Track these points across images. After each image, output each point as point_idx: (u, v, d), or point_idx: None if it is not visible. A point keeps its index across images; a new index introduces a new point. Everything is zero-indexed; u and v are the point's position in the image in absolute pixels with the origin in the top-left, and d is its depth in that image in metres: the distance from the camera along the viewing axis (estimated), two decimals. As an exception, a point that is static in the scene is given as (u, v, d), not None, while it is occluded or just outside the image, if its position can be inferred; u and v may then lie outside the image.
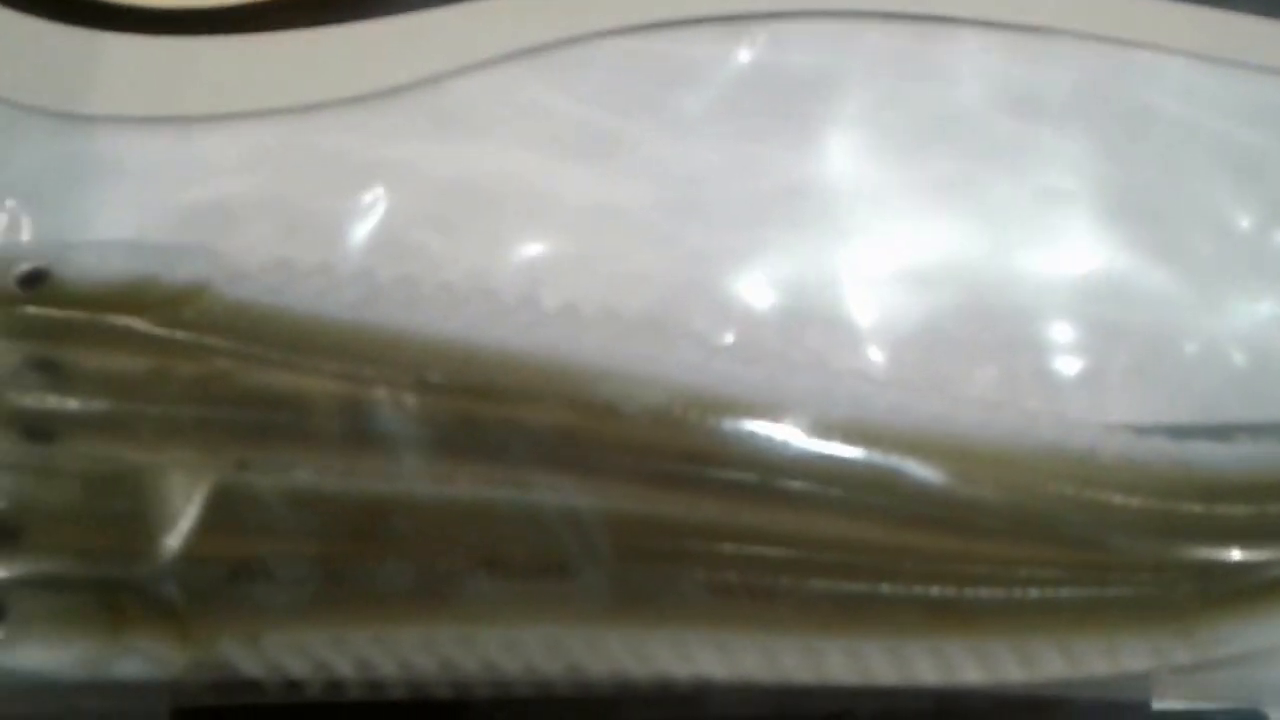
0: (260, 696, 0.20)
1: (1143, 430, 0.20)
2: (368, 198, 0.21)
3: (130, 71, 0.20)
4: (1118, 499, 0.19)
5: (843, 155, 0.21)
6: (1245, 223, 0.21)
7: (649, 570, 0.19)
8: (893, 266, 0.21)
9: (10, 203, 0.20)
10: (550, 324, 0.19)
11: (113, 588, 0.18)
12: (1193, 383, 0.21)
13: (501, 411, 0.19)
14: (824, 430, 0.19)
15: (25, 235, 0.20)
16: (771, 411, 0.19)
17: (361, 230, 0.21)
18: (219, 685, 0.19)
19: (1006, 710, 0.20)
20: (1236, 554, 0.19)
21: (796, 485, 0.19)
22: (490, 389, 0.19)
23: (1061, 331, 0.21)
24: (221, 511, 0.18)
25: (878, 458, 0.19)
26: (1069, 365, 0.21)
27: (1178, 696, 0.20)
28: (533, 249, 0.20)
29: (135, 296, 0.19)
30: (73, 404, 0.18)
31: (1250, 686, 0.20)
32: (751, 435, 0.19)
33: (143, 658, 0.19)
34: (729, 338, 0.20)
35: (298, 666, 0.19)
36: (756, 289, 0.21)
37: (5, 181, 0.20)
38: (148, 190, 0.20)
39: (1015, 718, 0.20)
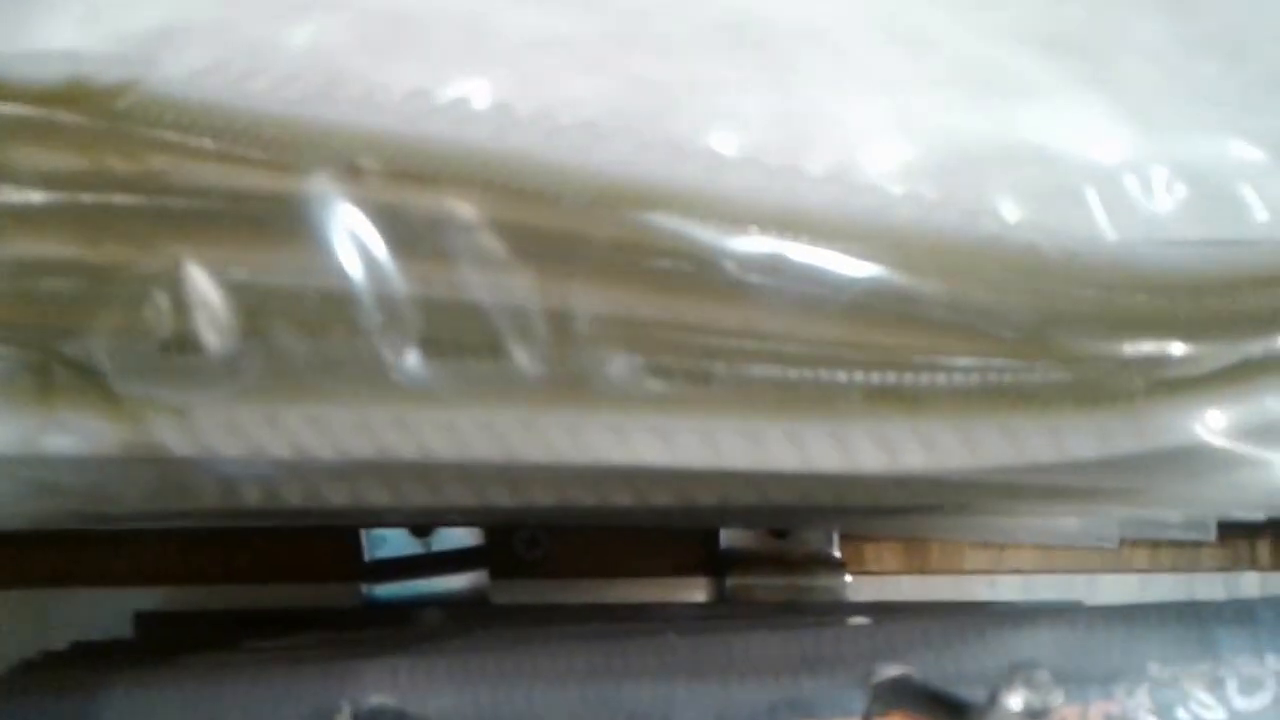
0: (196, 501, 0.20)
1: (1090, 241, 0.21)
2: (307, 27, 0.21)
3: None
4: (1061, 290, 0.20)
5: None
6: (1177, 53, 0.22)
7: (584, 354, 0.20)
8: (832, 98, 0.22)
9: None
10: (482, 120, 0.20)
11: (45, 363, 0.19)
12: (1132, 207, 0.21)
13: (433, 199, 0.20)
14: (759, 221, 0.20)
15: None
16: (705, 203, 0.20)
17: (297, 56, 0.21)
18: (157, 486, 0.20)
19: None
20: (1178, 346, 0.20)
21: (732, 275, 0.20)
22: (421, 176, 0.20)
23: (999, 156, 0.22)
24: (157, 295, 0.19)
25: (814, 248, 0.20)
26: (1009, 191, 0.21)
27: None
28: (471, 79, 0.21)
29: (69, 92, 0.20)
30: (8, 198, 0.20)
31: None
32: (685, 225, 0.20)
33: (73, 433, 0.19)
34: (667, 143, 0.21)
35: (231, 447, 0.19)
36: (696, 115, 0.21)
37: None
38: (88, 16, 0.21)
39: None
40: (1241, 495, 0.21)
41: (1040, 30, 0.22)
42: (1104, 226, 0.21)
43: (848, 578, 0.28)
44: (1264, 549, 0.28)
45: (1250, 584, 0.28)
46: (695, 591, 0.28)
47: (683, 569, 0.28)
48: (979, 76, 0.22)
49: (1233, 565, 0.28)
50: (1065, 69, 0.22)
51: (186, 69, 0.20)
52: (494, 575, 0.28)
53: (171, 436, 0.19)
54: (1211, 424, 0.20)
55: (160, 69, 0.20)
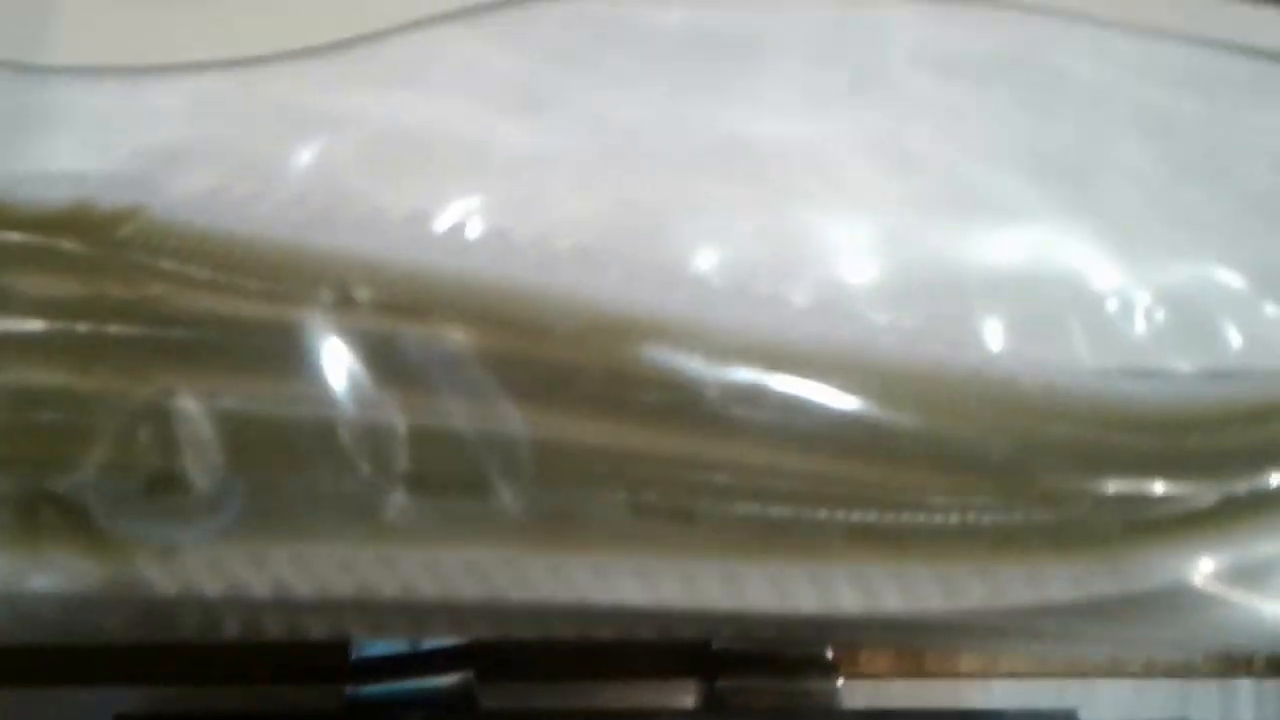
0: (177, 633, 0.21)
1: (1069, 370, 0.22)
2: (309, 146, 0.22)
3: (83, 23, 0.22)
4: (1040, 427, 0.21)
5: (772, 111, 0.23)
6: (1160, 179, 0.23)
7: (569, 491, 0.20)
8: (819, 219, 0.22)
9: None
10: (478, 249, 0.21)
11: (32, 499, 0.20)
12: (1113, 333, 0.22)
13: (425, 330, 0.20)
14: (745, 354, 0.20)
15: (-25, 177, 0.22)
16: (694, 336, 0.20)
17: (301, 177, 0.22)
18: (139, 619, 0.20)
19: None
20: (1160, 486, 0.20)
21: (717, 408, 0.20)
22: (415, 307, 0.20)
23: (984, 283, 0.22)
24: (146, 429, 0.20)
25: (798, 381, 0.20)
26: (992, 316, 0.22)
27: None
28: (467, 197, 0.22)
29: (72, 219, 0.20)
30: (5, 324, 0.20)
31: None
32: (674, 358, 0.20)
33: (58, 571, 0.20)
34: (657, 270, 0.22)
35: (214, 585, 0.20)
36: (685, 236, 0.22)
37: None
38: (97, 137, 0.22)
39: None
40: (1226, 637, 0.21)
41: (1026, 153, 0.23)
42: (1084, 354, 0.22)
43: (840, 681, 0.28)
44: (1259, 657, 0.29)
45: (1245, 690, 0.29)
46: (685, 695, 0.28)
47: (672, 672, 0.29)
48: (965, 199, 0.23)
49: (1228, 672, 0.29)
50: (1050, 193, 0.23)
51: (189, 192, 0.21)
52: (480, 677, 0.28)
53: (156, 575, 0.20)
54: (1193, 567, 0.20)
55: (163, 193, 0.21)
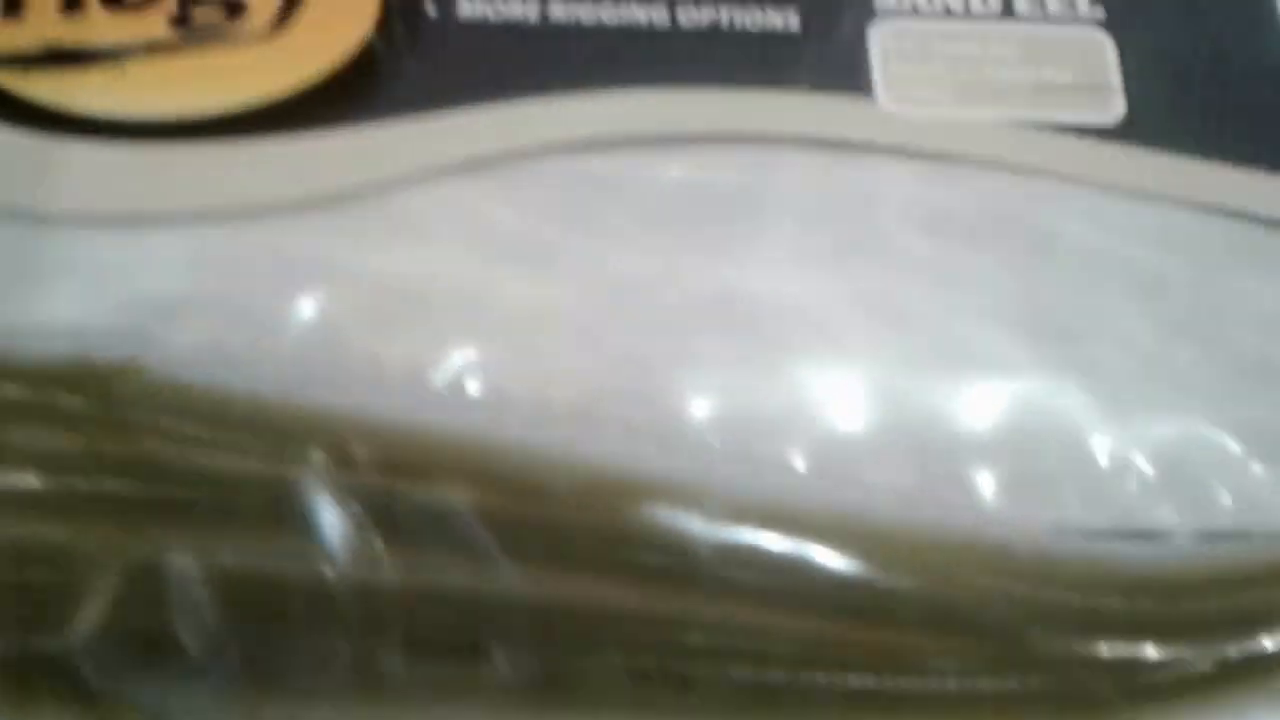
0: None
1: (1061, 530, 0.22)
2: (308, 297, 0.23)
3: (85, 174, 0.23)
4: (1034, 592, 0.21)
5: (766, 268, 0.23)
6: (1150, 339, 0.23)
7: (566, 655, 0.20)
8: (814, 375, 0.23)
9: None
10: (476, 409, 0.21)
11: (24, 662, 0.20)
12: (1106, 489, 0.22)
13: (423, 490, 0.20)
14: (743, 517, 0.21)
15: (-24, 325, 0.22)
16: (692, 497, 0.21)
17: (300, 328, 0.22)
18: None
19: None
20: (1153, 650, 0.21)
21: (716, 571, 0.20)
22: (413, 467, 0.20)
23: (978, 441, 0.22)
24: (140, 589, 0.20)
25: (796, 545, 0.21)
26: (985, 473, 0.22)
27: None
28: (466, 350, 0.22)
29: (69, 376, 0.21)
30: (4, 480, 0.20)
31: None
32: (672, 520, 0.21)
33: (51, 739, 0.20)
34: (655, 429, 0.22)
35: (206, 748, 0.20)
36: (682, 391, 0.22)
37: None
38: (97, 283, 0.22)
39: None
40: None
41: (1017, 312, 0.24)
42: (1077, 511, 0.22)
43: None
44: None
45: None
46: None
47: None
48: (957, 357, 0.23)
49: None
50: (1042, 352, 0.23)
51: (187, 346, 0.21)
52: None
53: (148, 738, 0.20)
54: (1189, 733, 0.21)
55: (161, 346, 0.21)
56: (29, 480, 0.20)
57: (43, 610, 0.20)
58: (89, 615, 0.20)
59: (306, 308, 0.23)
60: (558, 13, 0.24)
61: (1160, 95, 0.25)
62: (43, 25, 0.24)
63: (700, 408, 0.22)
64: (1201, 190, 0.24)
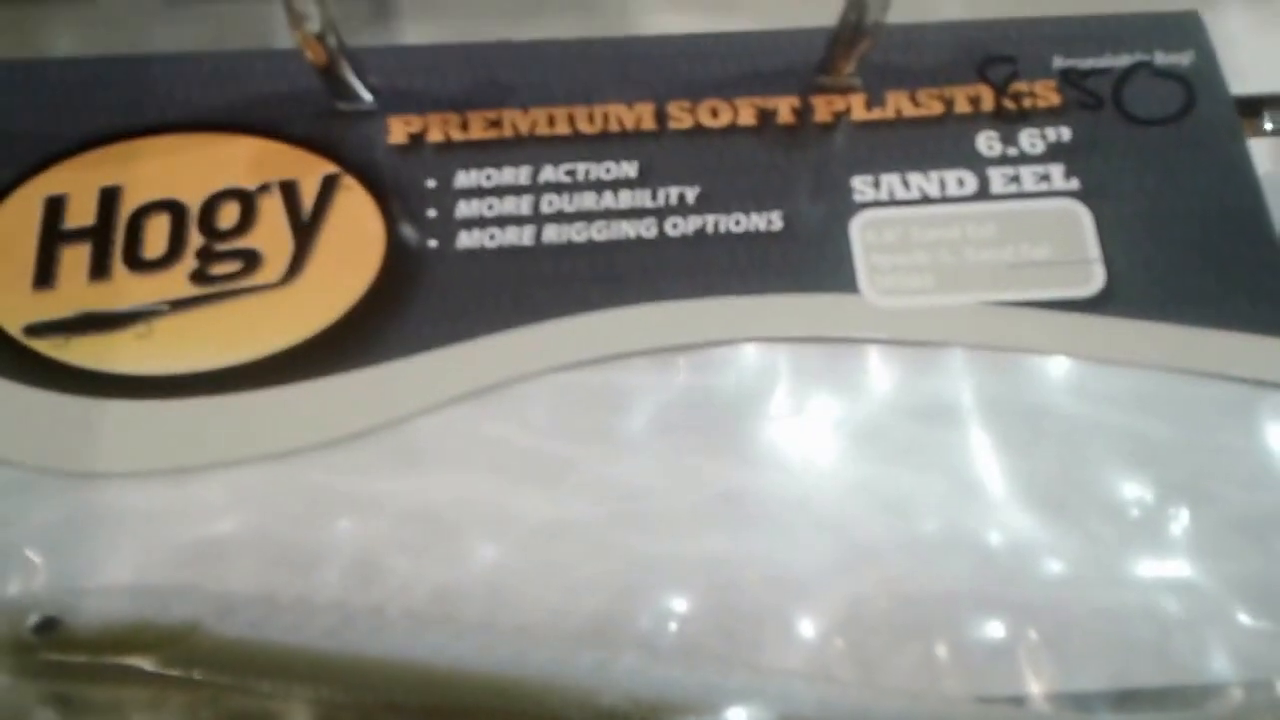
0: None
1: (1059, 698, 0.24)
2: (341, 528, 0.25)
3: (128, 432, 0.26)
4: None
5: (769, 465, 0.26)
6: (1141, 502, 0.25)
7: None
8: (820, 562, 0.25)
9: (28, 554, 0.25)
10: (504, 643, 0.24)
11: None
12: (1103, 651, 0.24)
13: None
14: (754, 727, 0.23)
15: (41, 580, 0.25)
16: (708, 714, 0.23)
17: (336, 558, 0.25)
18: None
19: None
20: None
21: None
22: (449, 707, 0.23)
23: (977, 613, 0.25)
24: None
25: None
26: (986, 644, 0.25)
27: None
28: (490, 565, 0.25)
29: (134, 638, 0.24)
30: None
31: None
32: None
33: None
34: (672, 633, 0.24)
35: None
36: (695, 590, 0.25)
37: (23, 535, 0.25)
38: (147, 533, 0.25)
39: None
40: None
41: (1013, 488, 0.26)
42: (1079, 679, 0.24)
43: None
44: None
45: None
46: None
47: None
48: (958, 538, 0.25)
49: None
50: (1039, 524, 0.25)
51: (238, 599, 0.24)
52: None
53: None
54: None
55: (213, 603, 0.24)
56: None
57: None
58: None
59: (339, 538, 0.25)
60: (551, 235, 0.27)
61: (1139, 263, 0.27)
62: (74, 293, 0.26)
63: (709, 606, 0.25)
64: (1184, 355, 0.26)
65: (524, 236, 0.27)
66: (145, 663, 0.24)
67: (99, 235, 0.27)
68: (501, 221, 0.27)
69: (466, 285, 0.27)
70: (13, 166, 0.28)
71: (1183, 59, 0.29)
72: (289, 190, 0.27)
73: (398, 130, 0.28)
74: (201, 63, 0.29)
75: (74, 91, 0.28)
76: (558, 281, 0.27)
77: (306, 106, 0.28)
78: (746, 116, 0.28)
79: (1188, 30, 0.29)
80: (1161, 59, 0.29)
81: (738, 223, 0.27)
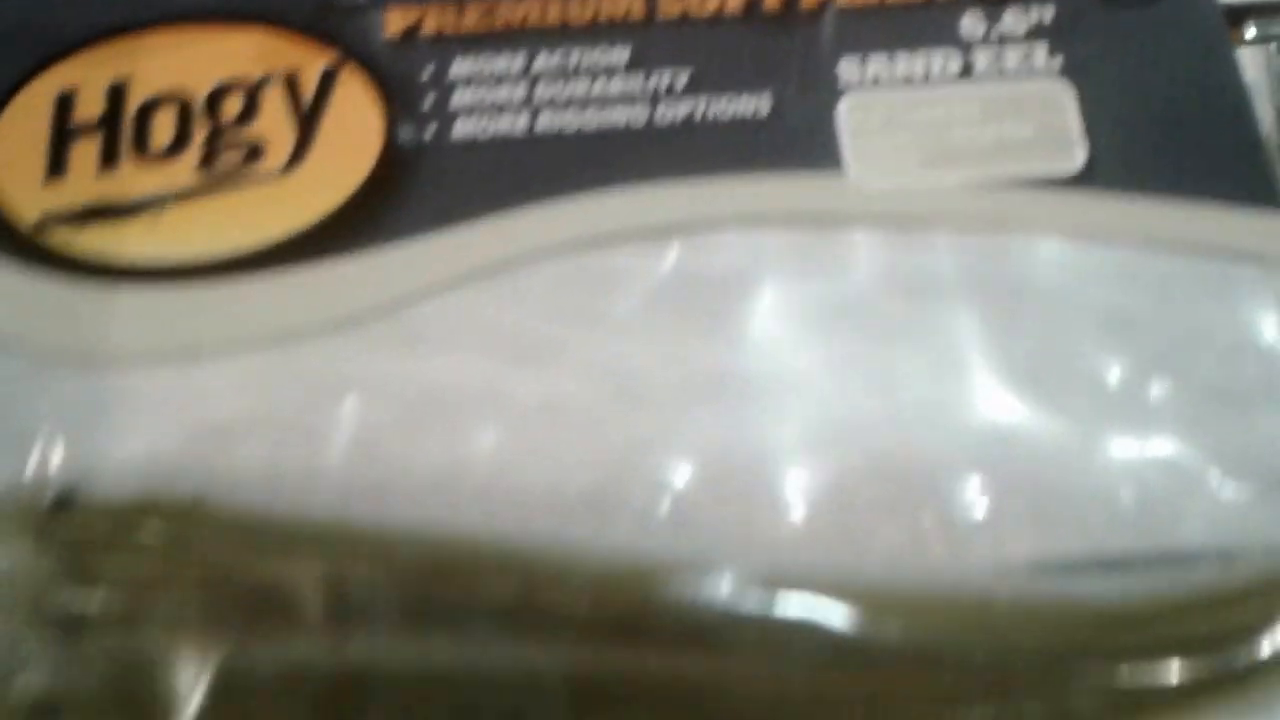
0: None
1: (1041, 566, 0.25)
2: (343, 410, 0.26)
3: (137, 318, 0.27)
4: (1014, 636, 0.24)
5: (757, 344, 0.26)
6: (1120, 374, 0.26)
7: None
8: (807, 437, 0.26)
9: (41, 437, 0.26)
10: (503, 511, 0.25)
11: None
12: (1084, 521, 0.25)
13: (461, 587, 0.24)
14: (746, 588, 0.24)
15: (55, 463, 0.26)
16: (699, 576, 0.24)
17: (339, 439, 0.26)
18: None
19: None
20: (1128, 674, 0.24)
21: (725, 638, 0.24)
22: (451, 568, 0.24)
23: (961, 484, 0.25)
24: (225, 692, 0.24)
25: (795, 609, 0.24)
26: (969, 514, 0.25)
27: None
28: (488, 444, 0.26)
29: (145, 512, 0.25)
30: (96, 603, 0.24)
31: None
32: (681, 597, 0.24)
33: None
34: (664, 507, 0.25)
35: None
36: (687, 466, 0.26)
37: (36, 419, 0.26)
38: (157, 416, 0.26)
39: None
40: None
41: (995, 361, 0.26)
42: (1061, 545, 0.25)
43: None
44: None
45: None
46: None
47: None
48: (940, 411, 0.26)
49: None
50: (1019, 396, 0.26)
51: (242, 469, 0.25)
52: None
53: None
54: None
55: (220, 479, 0.25)
56: (119, 602, 0.24)
57: (142, 717, 0.24)
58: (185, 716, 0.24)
59: (341, 421, 0.26)
60: (544, 123, 0.28)
61: (1120, 139, 0.27)
62: (84, 185, 0.27)
63: (701, 480, 0.26)
64: (1163, 228, 0.27)
65: (518, 124, 0.28)
66: (155, 536, 0.25)
67: (108, 128, 0.28)
68: (496, 109, 0.28)
69: (462, 172, 0.27)
70: (22, 63, 0.28)
71: None
72: (290, 81, 0.28)
73: (395, 21, 0.29)
74: None
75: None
76: (551, 166, 0.27)
77: (308, -2, 0.29)
78: (734, 4, 0.29)
79: None
80: None
81: (726, 106, 0.28)
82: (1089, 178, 0.27)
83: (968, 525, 0.25)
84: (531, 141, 0.28)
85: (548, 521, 0.25)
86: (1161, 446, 0.26)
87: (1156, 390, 0.26)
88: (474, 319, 0.27)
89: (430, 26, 0.29)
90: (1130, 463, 0.26)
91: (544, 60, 0.28)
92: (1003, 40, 0.28)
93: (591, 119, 0.28)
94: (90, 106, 0.28)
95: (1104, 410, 0.26)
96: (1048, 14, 0.28)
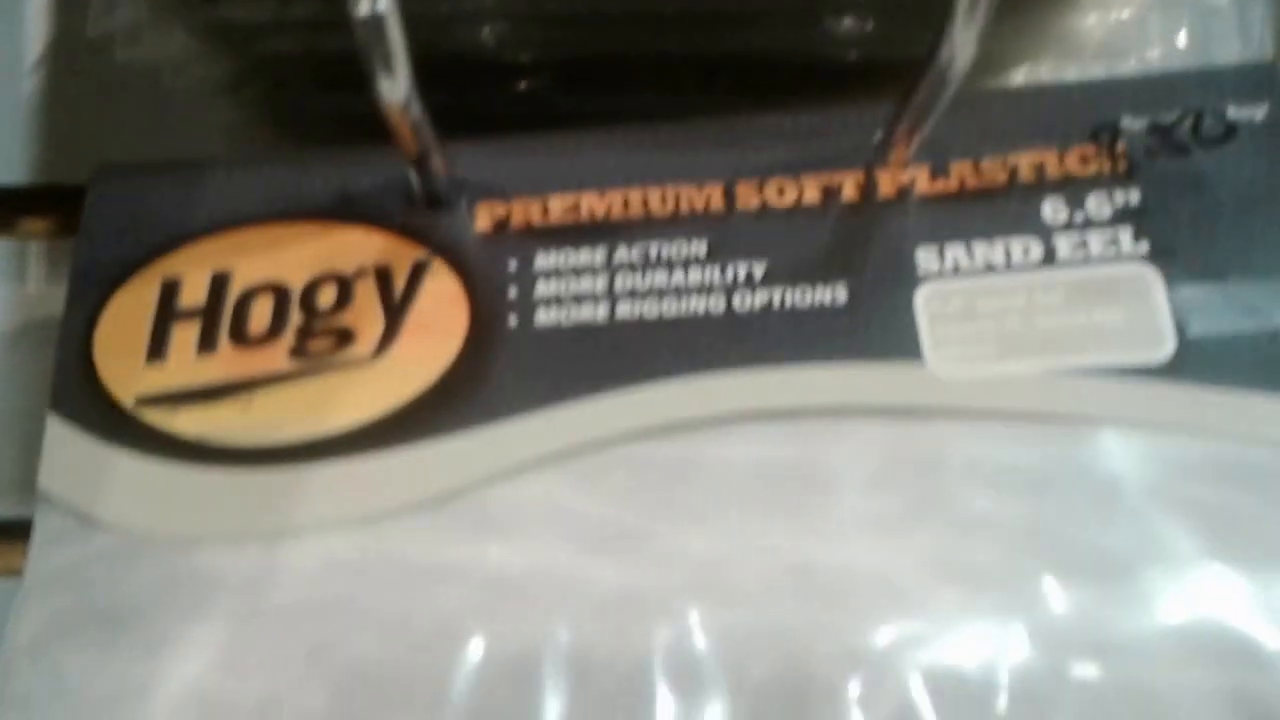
0: None
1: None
2: (424, 595, 0.27)
3: (224, 500, 0.28)
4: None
5: (839, 536, 0.26)
6: (1221, 577, 0.25)
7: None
8: (890, 635, 0.25)
9: (124, 618, 0.27)
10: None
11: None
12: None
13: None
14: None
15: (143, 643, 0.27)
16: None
17: (418, 625, 0.26)
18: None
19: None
20: None
21: None
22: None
23: (1045, 686, 0.24)
24: None
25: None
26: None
27: None
28: (565, 633, 0.26)
29: None
30: None
31: None
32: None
33: None
34: (741, 706, 0.25)
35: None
36: (765, 661, 0.25)
37: (123, 598, 0.27)
38: (241, 597, 0.27)
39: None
40: None
41: (1086, 561, 0.25)
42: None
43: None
44: None
45: None
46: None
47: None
48: (1031, 611, 0.25)
49: None
50: (1112, 598, 0.25)
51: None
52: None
53: None
54: None
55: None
56: None
57: None
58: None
59: (424, 604, 0.26)
60: (624, 312, 0.28)
61: (1211, 328, 0.27)
62: (183, 367, 0.29)
63: (784, 676, 0.25)
64: (1260, 422, 0.26)
65: (599, 313, 0.28)
66: None
67: (208, 314, 0.29)
68: (578, 299, 0.29)
69: (544, 358, 0.28)
70: (134, 253, 0.30)
71: (1257, 112, 0.28)
72: (383, 274, 0.29)
73: (484, 217, 0.30)
74: (309, 161, 0.31)
75: (196, 188, 0.31)
76: (630, 353, 0.28)
77: (402, 199, 0.30)
78: (812, 194, 0.29)
79: (1262, 82, 0.29)
80: (1234, 113, 0.29)
81: (803, 296, 0.28)
82: (1179, 368, 0.26)
83: None
84: (612, 329, 0.28)
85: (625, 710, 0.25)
86: (1264, 651, 0.24)
87: (1258, 594, 0.25)
88: (551, 504, 0.27)
89: (518, 221, 0.30)
90: (1233, 672, 0.24)
91: (624, 252, 0.29)
92: (1086, 225, 0.28)
93: (670, 308, 0.28)
94: (194, 294, 0.30)
95: (1197, 612, 0.25)
96: (1133, 196, 0.28)
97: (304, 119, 0.35)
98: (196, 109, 0.36)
